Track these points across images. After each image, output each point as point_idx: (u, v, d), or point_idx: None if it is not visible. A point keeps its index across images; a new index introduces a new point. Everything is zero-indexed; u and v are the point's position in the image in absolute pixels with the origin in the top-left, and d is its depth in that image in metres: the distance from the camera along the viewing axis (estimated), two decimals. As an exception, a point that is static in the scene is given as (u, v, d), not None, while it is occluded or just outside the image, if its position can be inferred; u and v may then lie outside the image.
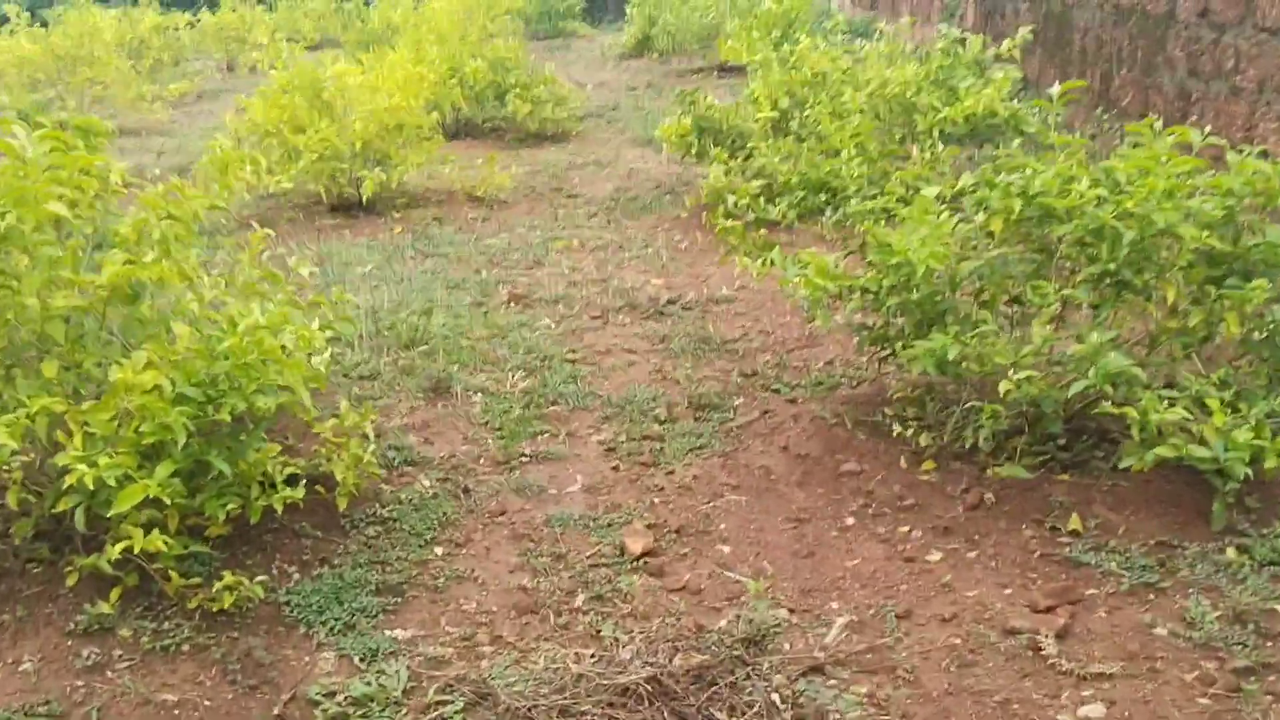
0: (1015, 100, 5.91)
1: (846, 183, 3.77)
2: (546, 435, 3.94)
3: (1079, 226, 3.08)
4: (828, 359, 4.51)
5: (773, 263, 3.57)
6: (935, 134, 5.75)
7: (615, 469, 3.69)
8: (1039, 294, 3.03)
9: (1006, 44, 6.07)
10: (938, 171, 3.63)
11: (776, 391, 4.20)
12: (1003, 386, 2.90)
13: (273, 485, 3.08)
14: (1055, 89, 3.54)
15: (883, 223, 3.53)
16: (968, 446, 3.39)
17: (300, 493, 3.07)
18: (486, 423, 4.05)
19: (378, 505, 3.41)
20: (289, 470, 3.15)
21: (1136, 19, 7.20)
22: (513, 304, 5.34)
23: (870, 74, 6.10)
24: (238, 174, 6.59)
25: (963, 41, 6.01)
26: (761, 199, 5.62)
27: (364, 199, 6.71)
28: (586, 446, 3.87)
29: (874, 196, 3.66)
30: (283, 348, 2.95)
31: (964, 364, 3.02)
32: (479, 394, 4.28)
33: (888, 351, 3.68)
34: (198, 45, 16.97)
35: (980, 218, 3.25)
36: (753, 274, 3.64)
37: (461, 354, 4.62)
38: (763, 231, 4.21)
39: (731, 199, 5.52)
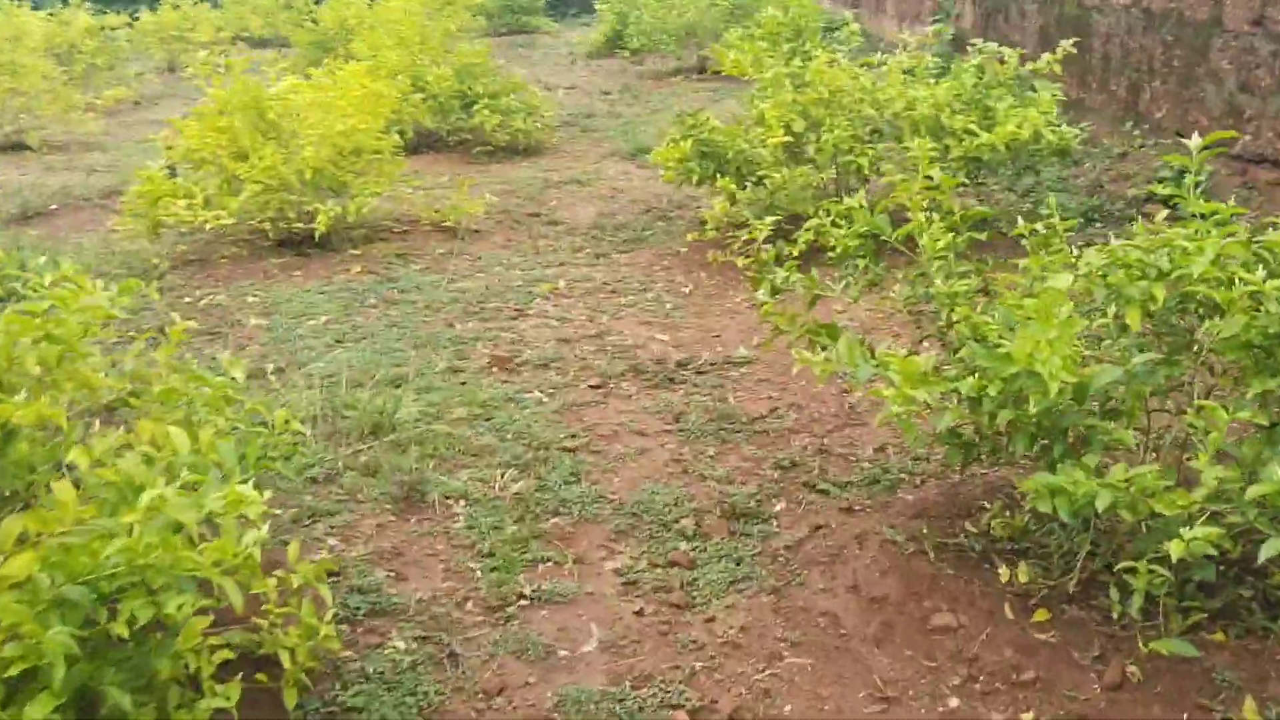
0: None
1: (923, 259, 3.01)
2: (549, 563, 3.18)
3: (1250, 328, 2.37)
4: (877, 444, 3.78)
5: (837, 356, 2.83)
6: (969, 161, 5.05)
7: (639, 614, 2.94)
8: (1207, 418, 2.32)
9: (1046, 59, 5.37)
10: (1051, 248, 2.89)
11: (824, 493, 3.46)
12: (1174, 550, 2.18)
13: (198, 686, 2.30)
14: (1193, 141, 2.81)
15: (976, 304, 2.81)
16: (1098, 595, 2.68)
17: (235, 693, 2.30)
18: (473, 544, 3.28)
19: (338, 687, 2.63)
20: (220, 655, 2.37)
21: (1171, 26, 6.53)
22: (495, 369, 4.56)
23: (892, 91, 5.38)
24: (169, 209, 5.78)
25: (999, 57, 5.30)
26: (771, 236, 4.90)
27: (317, 235, 5.89)
28: (600, 578, 3.11)
29: (964, 275, 2.92)
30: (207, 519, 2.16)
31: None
32: (461, 502, 3.50)
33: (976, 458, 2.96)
34: (137, 46, 15.94)
35: (1112, 309, 2.53)
36: (815, 373, 2.89)
37: (438, 444, 3.84)
38: (798, 284, 3.45)
39: (741, 233, 4.82)
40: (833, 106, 5.39)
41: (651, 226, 6.65)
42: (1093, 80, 7.58)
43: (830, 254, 3.37)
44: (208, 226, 5.78)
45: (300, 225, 5.97)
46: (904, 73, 5.52)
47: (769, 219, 5.24)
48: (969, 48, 5.54)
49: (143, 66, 15.83)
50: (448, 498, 3.52)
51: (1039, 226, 2.94)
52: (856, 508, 3.35)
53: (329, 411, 4.09)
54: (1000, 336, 2.60)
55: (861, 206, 5.20)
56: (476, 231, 6.63)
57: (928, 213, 3.09)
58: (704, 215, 5.58)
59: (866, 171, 5.30)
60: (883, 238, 3.21)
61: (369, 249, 6.22)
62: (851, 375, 2.86)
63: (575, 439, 3.91)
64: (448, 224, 6.54)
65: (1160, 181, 6.03)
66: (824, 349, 2.97)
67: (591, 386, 4.37)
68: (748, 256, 5.45)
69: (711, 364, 4.54)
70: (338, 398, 4.20)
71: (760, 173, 5.40)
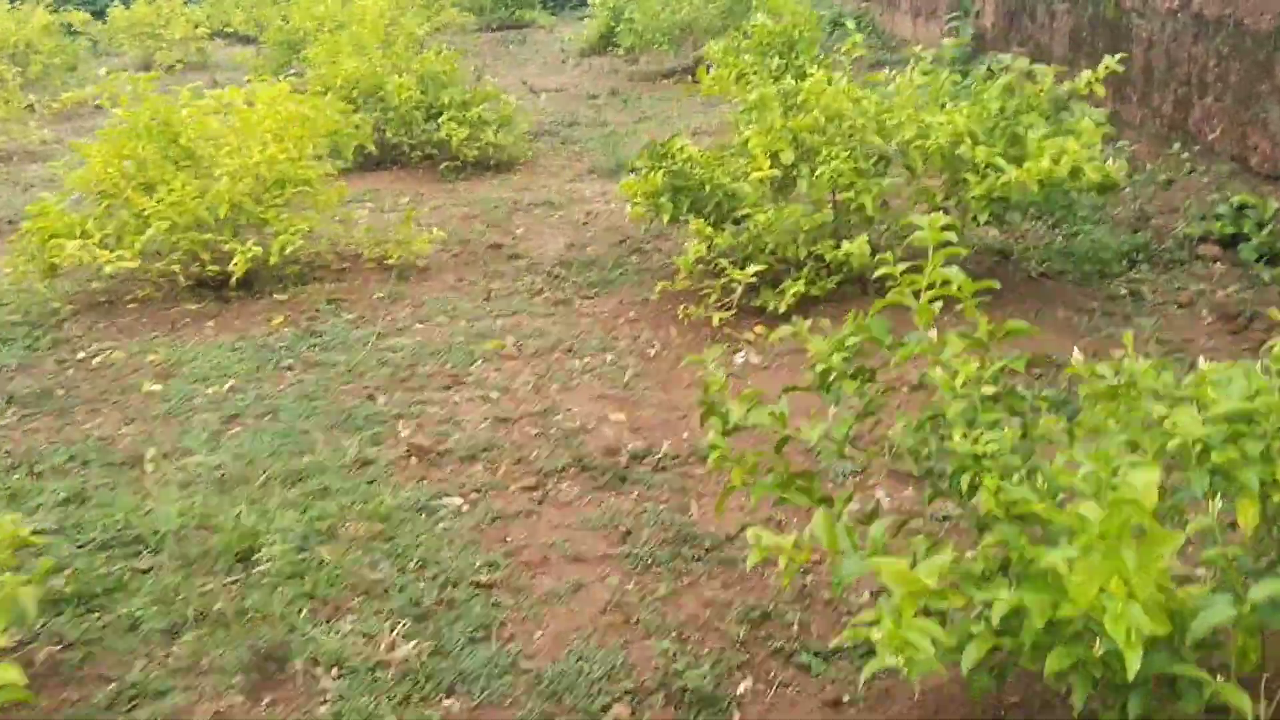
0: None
1: (936, 399, 2.16)
2: (430, 780, 2.39)
3: None
4: (875, 585, 2.97)
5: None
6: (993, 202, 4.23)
7: None
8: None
9: (1087, 78, 4.53)
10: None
11: (804, 668, 2.66)
12: None
13: None
14: None
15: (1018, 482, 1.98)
16: None
17: None
18: (337, 743, 2.49)
19: None
20: None
21: (1228, 35, 5.67)
22: (413, 460, 3.76)
23: (901, 115, 4.55)
24: (61, 250, 5.00)
25: (1030, 74, 4.47)
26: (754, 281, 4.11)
27: (233, 280, 5.09)
28: (495, 805, 2.32)
29: (995, 424, 2.08)
30: None
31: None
32: (333, 671, 2.71)
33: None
34: (109, 43, 15.19)
35: (1216, 503, 1.73)
36: (779, 565, 2.08)
37: (319, 578, 3.05)
38: (764, 415, 2.63)
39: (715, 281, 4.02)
40: (830, 133, 4.57)
41: (623, 263, 5.83)
42: (1132, 92, 6.72)
43: (815, 372, 2.50)
44: (107, 270, 4.99)
45: (216, 268, 5.17)
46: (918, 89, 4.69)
47: (752, 268, 4.47)
48: (993, 61, 4.70)
49: (116, 64, 15.08)
50: (316, 664, 2.73)
51: (1105, 370, 2.09)
52: (845, 700, 2.54)
53: (193, 524, 3.30)
54: (1048, 522, 1.80)
55: (862, 253, 4.41)
56: (425, 269, 5.82)
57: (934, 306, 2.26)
58: (676, 260, 4.77)
59: (870, 211, 4.48)
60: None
61: (298, 292, 5.42)
62: (831, 564, 2.05)
63: (493, 569, 3.11)
64: (392, 261, 5.73)
65: (1218, 218, 5.22)
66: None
67: (524, 488, 3.57)
68: (725, 309, 4.67)
69: (673, 457, 3.73)
70: (210, 505, 3.41)
71: (743, 210, 4.58)
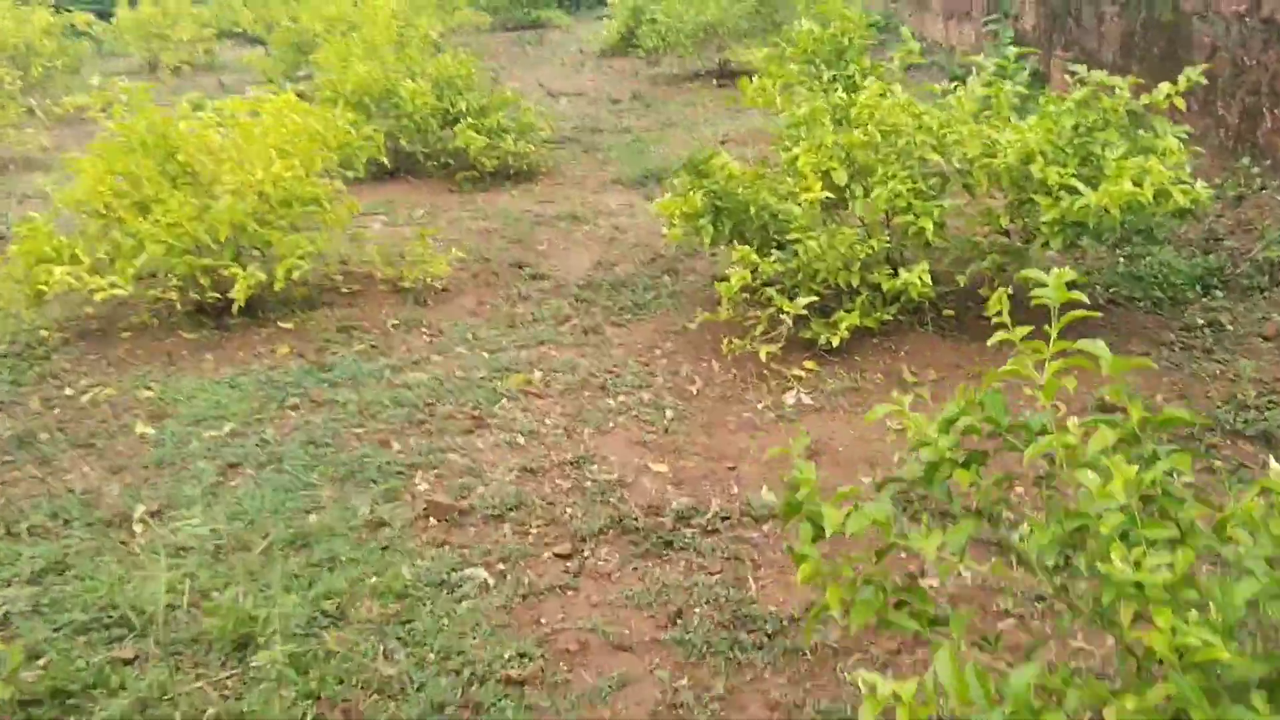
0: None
1: (1082, 504, 1.75)
2: None
3: None
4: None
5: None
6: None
7: None
8: None
9: (1164, 89, 4.12)
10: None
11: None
12: None
13: None
14: None
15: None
16: None
17: None
18: None
19: None
20: None
21: (1308, 39, 5.24)
22: (431, 520, 3.37)
23: (963, 131, 4.14)
24: (48, 275, 4.63)
25: (1108, 88, 4.05)
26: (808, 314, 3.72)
27: (235, 308, 4.71)
28: None
29: (1156, 542, 1.67)
30: None
31: None
32: (342, 797, 2.32)
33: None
34: (115, 45, 14.86)
35: None
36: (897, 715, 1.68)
37: (326, 673, 2.66)
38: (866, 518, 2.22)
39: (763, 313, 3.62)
40: (885, 151, 4.16)
41: (655, 285, 5.43)
42: (1193, 101, 6.28)
43: (921, 461, 2.08)
44: (97, 297, 4.62)
45: (216, 295, 4.79)
46: (974, 102, 4.28)
47: (802, 300, 4.06)
48: (1068, 76, 4.29)
49: (121, 66, 14.75)
50: (322, 787, 2.34)
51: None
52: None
53: (183, 605, 2.92)
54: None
55: (922, 283, 4.01)
56: (443, 291, 5.43)
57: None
58: (718, 288, 4.36)
59: (930, 235, 4.08)
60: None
61: (306, 319, 5.03)
62: (957, 702, 1.64)
63: (525, 661, 2.72)
64: (407, 284, 5.35)
65: (1300, 241, 4.81)
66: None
67: (558, 555, 3.17)
68: (771, 341, 4.27)
69: (724, 517, 3.33)
70: (202, 577, 3.03)
71: (791, 235, 4.18)
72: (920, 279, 3.97)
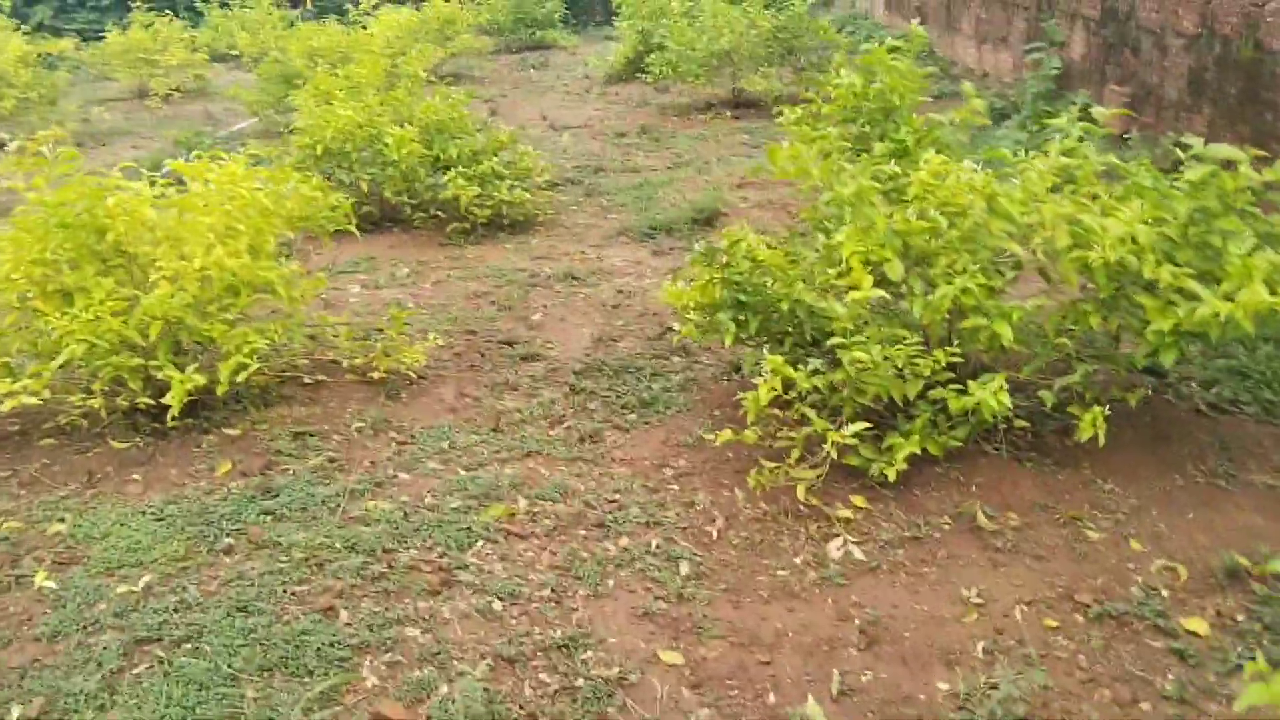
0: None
1: None
2: None
3: None
4: None
5: None
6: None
7: None
8: None
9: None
10: None
11: None
12: None
13: None
14: None
15: None
16: None
17: None
18: None
19: None
20: None
21: None
22: (379, 740, 2.62)
23: (1046, 214, 3.38)
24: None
25: (1225, 163, 3.28)
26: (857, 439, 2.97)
27: (169, 417, 3.97)
28: None
29: None
30: None
31: None
32: None
33: None
34: (102, 71, 14.20)
35: None
36: None
37: None
38: None
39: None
40: (950, 236, 3.41)
41: (665, 370, 4.68)
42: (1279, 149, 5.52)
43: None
44: (5, 406, 3.89)
45: (149, 399, 4.05)
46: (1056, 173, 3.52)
47: (852, 428, 3.30)
48: (1178, 149, 3.53)
49: (108, 93, 14.10)
50: None
51: None
52: None
53: None
54: None
55: (999, 402, 3.25)
56: (418, 381, 4.69)
57: None
58: (744, 401, 3.60)
59: (1008, 341, 3.32)
60: None
61: (257, 421, 4.29)
62: None
63: None
64: (378, 374, 4.61)
65: None
66: None
67: (539, 804, 2.42)
68: (811, 469, 3.51)
69: (759, 742, 2.57)
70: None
71: (834, 341, 3.42)
72: (996, 397, 3.22)
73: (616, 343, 5.18)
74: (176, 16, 14.91)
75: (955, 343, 3.42)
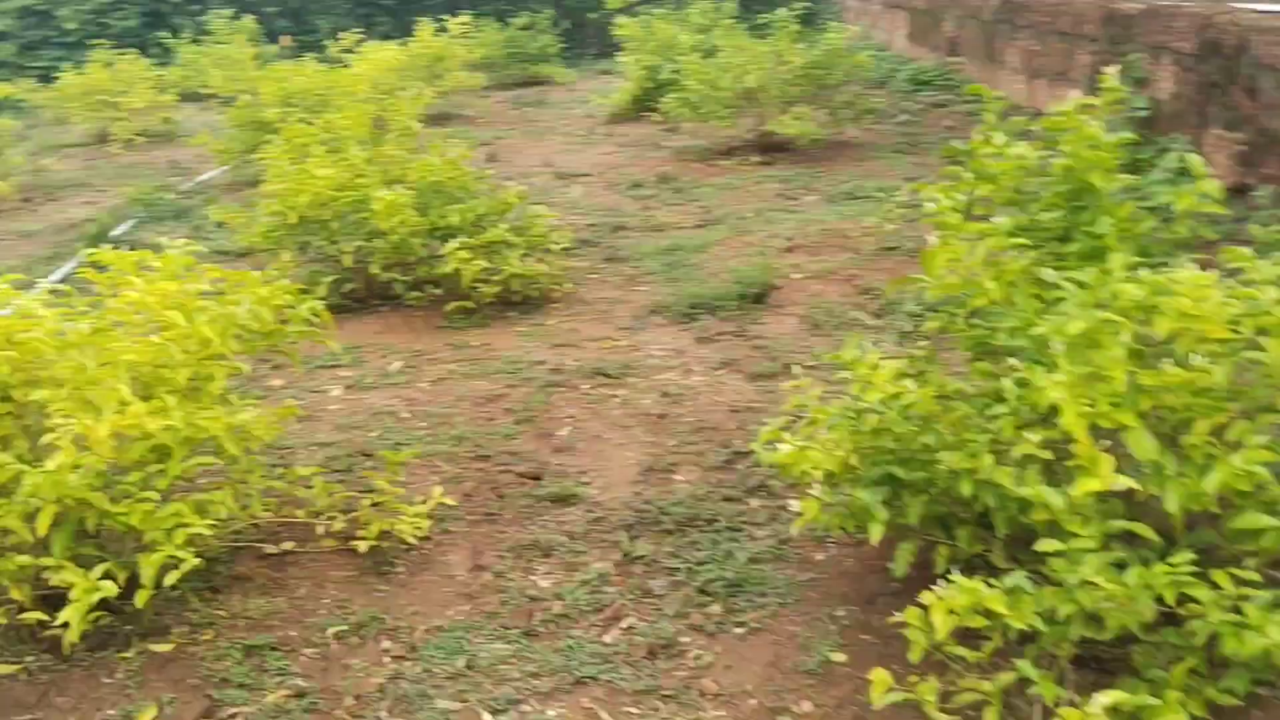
0: None
1: None
2: None
3: None
4: None
5: None
6: None
7: None
8: None
9: None
10: None
11: None
12: None
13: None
14: None
15: None
16: None
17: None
18: None
19: None
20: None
21: None
22: None
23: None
24: None
25: None
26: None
27: (66, 645, 2.79)
28: None
29: None
30: None
31: None
32: None
33: None
34: (57, 114, 13.05)
35: None
36: None
37: None
38: None
39: None
40: (1215, 389, 2.28)
41: (746, 526, 3.53)
42: None
43: None
44: None
45: (41, 615, 2.86)
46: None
47: (1102, 699, 2.14)
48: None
49: (69, 138, 12.95)
50: None
51: None
52: None
53: None
54: None
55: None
56: (415, 551, 3.52)
57: None
58: (908, 625, 2.44)
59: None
60: None
61: (200, 625, 3.11)
62: None
63: None
64: (363, 543, 3.43)
65: None
66: None
67: None
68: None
69: None
70: None
71: (1048, 547, 2.28)
72: None
73: (672, 474, 4.04)
74: (144, 54, 13.80)
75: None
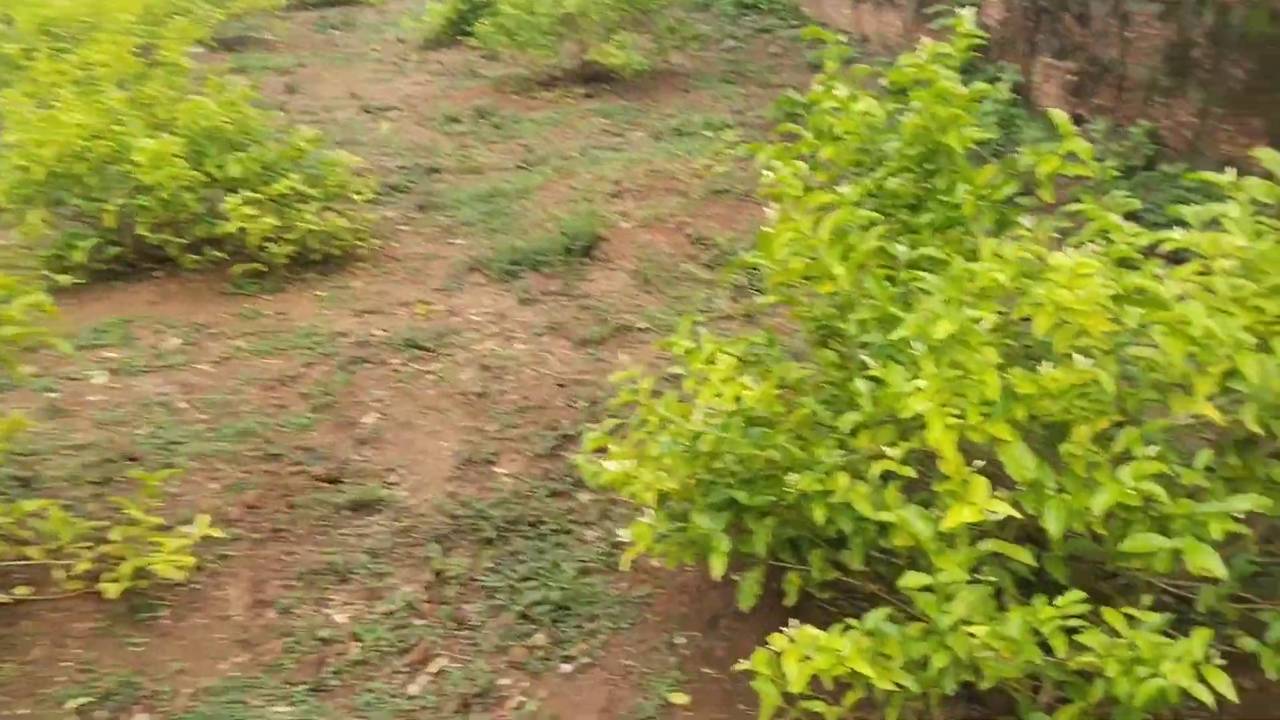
0: None
1: None
2: None
3: None
4: None
5: None
6: None
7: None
8: None
9: None
10: None
11: None
12: None
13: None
14: None
15: None
16: None
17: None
18: None
19: None
20: None
21: None
22: None
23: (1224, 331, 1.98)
24: None
25: None
26: None
27: None
28: None
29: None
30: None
31: None
32: None
33: None
34: None
35: None
36: None
37: None
38: None
39: None
40: (1091, 392, 1.97)
41: (575, 528, 3.14)
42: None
43: None
44: None
45: None
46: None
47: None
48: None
49: None
50: None
51: None
52: None
53: None
54: None
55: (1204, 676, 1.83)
56: (192, 578, 2.98)
57: None
58: (758, 692, 2.06)
59: (1217, 574, 1.92)
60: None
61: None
62: None
63: None
64: (113, 588, 2.86)
65: None
66: None
67: None
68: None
69: None
70: None
71: (913, 584, 1.94)
72: (1192, 672, 1.83)
73: (492, 466, 3.60)
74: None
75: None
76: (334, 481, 3.52)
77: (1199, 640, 1.89)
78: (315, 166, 5.47)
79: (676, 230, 5.50)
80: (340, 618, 2.85)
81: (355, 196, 5.51)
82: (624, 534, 2.34)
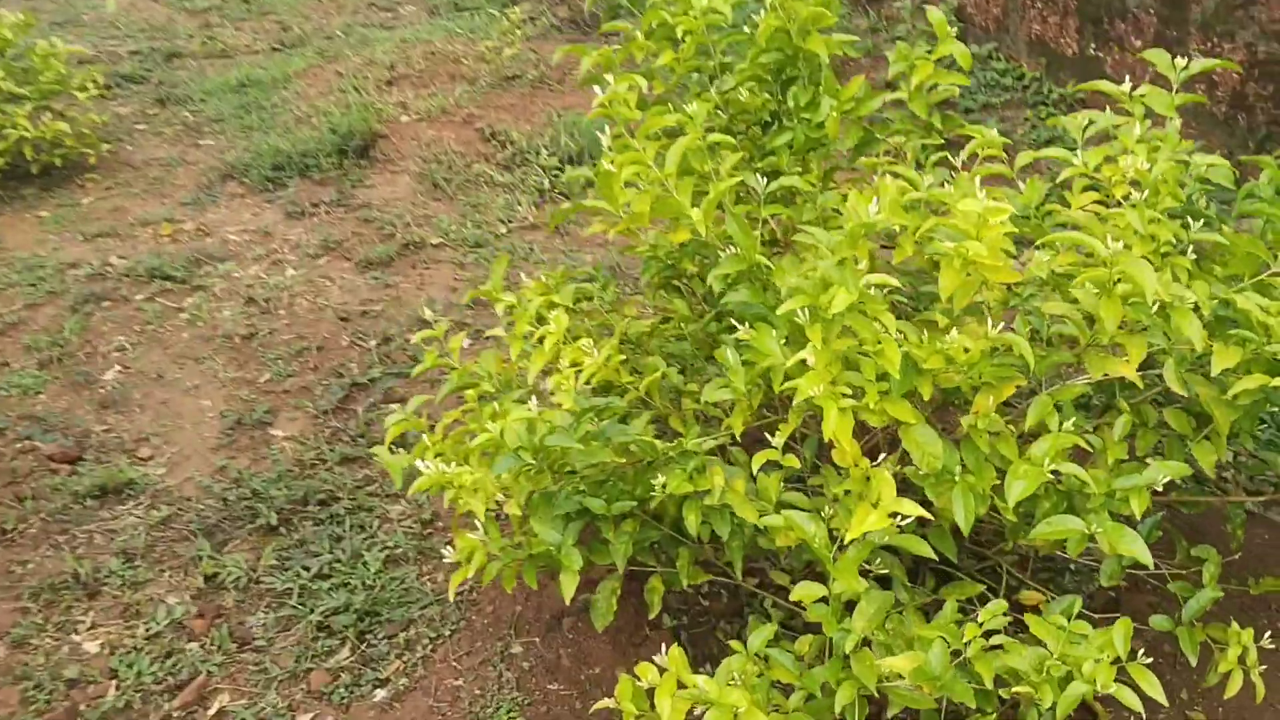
0: None
1: None
2: None
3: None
4: None
5: None
6: None
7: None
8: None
9: None
10: None
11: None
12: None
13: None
14: None
15: None
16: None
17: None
18: None
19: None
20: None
21: None
22: None
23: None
24: None
25: None
26: None
27: None
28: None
29: None
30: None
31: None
32: None
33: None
34: None
35: None
36: None
37: None
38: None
39: None
40: (979, 360, 1.67)
41: (373, 502, 2.67)
42: None
43: None
44: None
45: None
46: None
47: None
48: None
49: None
50: None
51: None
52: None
53: None
54: None
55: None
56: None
57: None
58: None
59: (1144, 561, 1.68)
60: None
61: None
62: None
63: None
64: None
65: None
66: None
67: None
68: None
69: None
70: None
71: (804, 599, 1.62)
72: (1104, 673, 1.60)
73: (269, 428, 3.05)
74: None
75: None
76: (72, 461, 2.89)
77: (1119, 632, 1.66)
78: (25, 58, 4.55)
79: (465, 124, 4.90)
80: (91, 647, 2.31)
81: (78, 93, 4.64)
82: (449, 552, 1.90)
